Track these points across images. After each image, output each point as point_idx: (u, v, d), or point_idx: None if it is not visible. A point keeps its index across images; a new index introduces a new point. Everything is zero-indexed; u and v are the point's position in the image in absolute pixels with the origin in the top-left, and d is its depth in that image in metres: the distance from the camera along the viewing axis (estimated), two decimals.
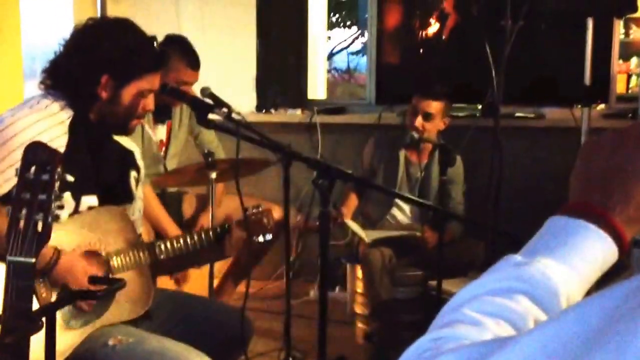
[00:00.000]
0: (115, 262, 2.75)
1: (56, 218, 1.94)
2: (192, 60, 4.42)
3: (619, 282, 0.83)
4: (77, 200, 2.67)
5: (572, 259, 1.01)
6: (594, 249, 1.02)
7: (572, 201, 1.07)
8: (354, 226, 4.56)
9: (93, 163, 2.78)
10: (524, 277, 0.99)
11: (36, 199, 1.90)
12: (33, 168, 1.92)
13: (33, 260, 1.89)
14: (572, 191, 1.09)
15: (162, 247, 2.88)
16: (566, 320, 0.82)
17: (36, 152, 1.93)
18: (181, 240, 2.93)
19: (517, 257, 1.03)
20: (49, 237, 1.92)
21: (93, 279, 2.58)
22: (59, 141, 2.58)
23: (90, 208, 2.73)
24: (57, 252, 2.56)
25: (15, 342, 1.88)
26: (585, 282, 1.01)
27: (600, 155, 1.08)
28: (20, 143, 2.49)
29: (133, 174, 2.98)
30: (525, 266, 1.00)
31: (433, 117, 4.67)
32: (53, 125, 2.63)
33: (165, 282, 4.24)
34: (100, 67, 2.69)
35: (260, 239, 3.18)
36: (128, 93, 2.73)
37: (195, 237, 2.97)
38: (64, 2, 5.67)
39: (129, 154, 2.99)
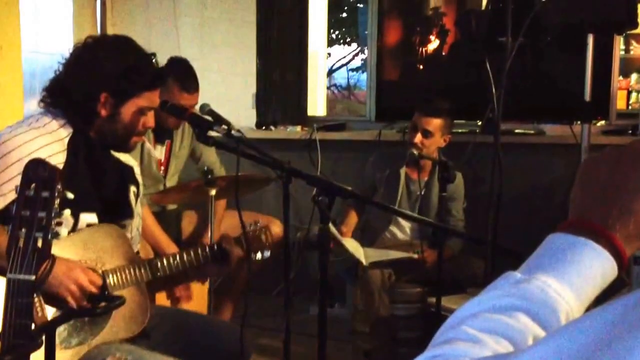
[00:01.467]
0: (112, 279, 2.73)
1: (56, 235, 1.93)
2: (187, 84, 4.41)
3: (617, 298, 0.83)
4: (76, 217, 2.66)
5: (572, 276, 1.01)
6: (593, 266, 1.02)
7: (571, 218, 1.08)
8: (352, 248, 4.55)
9: (92, 180, 2.78)
10: (524, 295, 0.99)
11: (36, 216, 1.90)
12: (33, 185, 1.92)
13: (33, 277, 1.89)
14: (572, 208, 1.09)
15: (159, 265, 2.87)
16: (564, 336, 0.82)
17: (36, 169, 1.94)
18: (178, 258, 2.92)
19: (517, 274, 1.03)
20: (48, 254, 1.92)
21: (91, 297, 2.58)
22: (57, 158, 2.58)
23: (88, 225, 2.73)
24: (51, 259, 2.54)
25: None
26: (584, 299, 1.02)
27: (599, 172, 1.08)
28: (17, 158, 2.50)
29: (132, 189, 2.98)
30: (524, 283, 1.00)
31: (432, 134, 4.66)
32: (51, 142, 2.63)
33: (162, 300, 4.24)
34: (100, 84, 2.70)
35: (259, 256, 3.18)
36: (128, 110, 2.74)
37: (192, 255, 2.96)
38: (64, 20, 5.68)
39: (128, 169, 3.00)
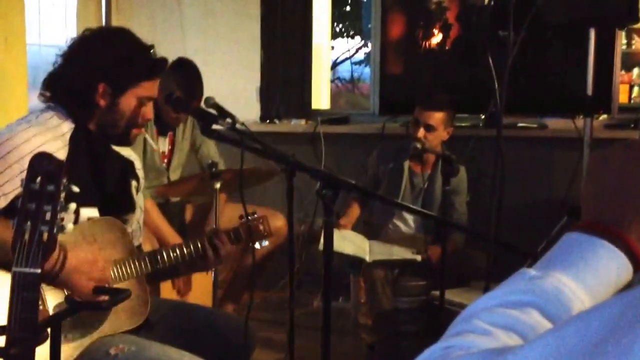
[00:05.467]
0: (113, 272, 2.74)
1: (61, 229, 1.94)
2: (193, 90, 4.42)
3: (619, 292, 0.84)
4: (77, 211, 2.66)
5: (586, 275, 1.01)
6: (608, 267, 1.03)
7: (587, 219, 1.08)
8: (355, 246, 4.55)
9: (94, 175, 2.79)
10: (537, 291, 0.99)
11: (41, 210, 1.90)
12: (38, 179, 1.92)
13: (39, 271, 1.89)
14: (585, 209, 1.10)
15: (159, 257, 2.88)
16: (566, 330, 0.83)
17: (42, 163, 1.94)
18: (177, 251, 2.93)
19: (532, 271, 1.04)
20: (54, 248, 1.93)
21: (97, 290, 2.59)
22: (58, 154, 2.58)
23: (89, 219, 2.74)
24: (64, 252, 2.55)
25: (20, 354, 1.89)
26: (598, 299, 1.02)
27: (610, 171, 1.09)
28: (19, 157, 2.50)
29: (134, 183, 2.99)
30: (538, 280, 1.01)
31: (435, 128, 4.67)
32: (52, 139, 2.63)
33: (167, 293, 4.26)
34: (97, 74, 2.71)
35: (257, 245, 3.20)
36: (126, 101, 2.75)
37: (192, 247, 2.97)
38: (68, 12, 5.69)
39: (129, 163, 3.01)
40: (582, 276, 1.01)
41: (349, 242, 4.61)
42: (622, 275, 1.03)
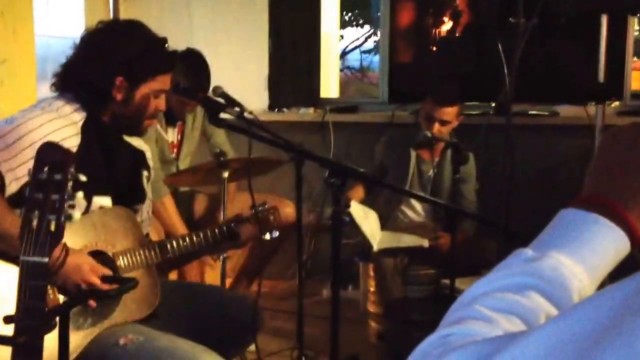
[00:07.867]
0: (122, 262, 2.75)
1: (69, 218, 1.94)
2: (197, 81, 4.40)
3: (627, 278, 0.83)
4: (89, 200, 2.68)
5: (584, 253, 1.00)
6: (605, 243, 1.01)
7: (585, 193, 1.07)
8: (369, 230, 4.54)
9: (106, 164, 2.80)
10: (536, 273, 0.98)
11: (49, 199, 1.90)
12: (46, 168, 1.92)
13: (46, 260, 1.89)
14: (586, 182, 1.09)
15: (169, 246, 2.89)
16: (576, 315, 0.82)
17: (49, 152, 1.94)
18: (187, 240, 2.95)
19: (528, 252, 1.02)
20: (61, 236, 1.93)
21: (105, 278, 2.59)
22: (71, 141, 2.60)
23: (100, 208, 2.74)
24: (65, 251, 2.55)
25: (29, 342, 1.89)
26: (597, 277, 1.01)
27: (616, 149, 1.08)
28: (31, 141, 2.51)
29: (145, 173, 3.00)
30: (536, 261, 1.00)
31: (449, 121, 4.67)
32: (65, 126, 2.64)
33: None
34: (115, 69, 2.72)
35: (267, 236, 3.20)
36: (141, 94, 2.77)
37: (202, 236, 2.98)
38: (76, 4, 5.68)
39: (140, 154, 3.01)
40: (580, 254, 1.00)
41: (368, 222, 4.59)
42: (619, 251, 1.02)
